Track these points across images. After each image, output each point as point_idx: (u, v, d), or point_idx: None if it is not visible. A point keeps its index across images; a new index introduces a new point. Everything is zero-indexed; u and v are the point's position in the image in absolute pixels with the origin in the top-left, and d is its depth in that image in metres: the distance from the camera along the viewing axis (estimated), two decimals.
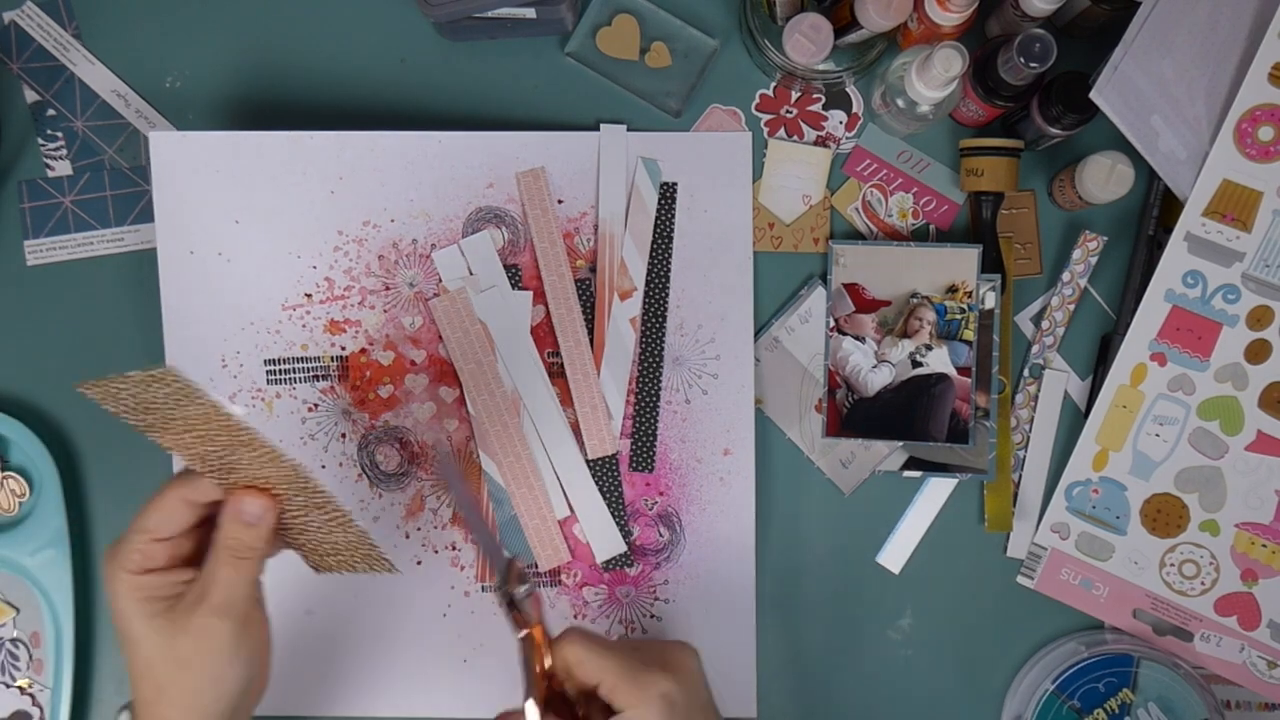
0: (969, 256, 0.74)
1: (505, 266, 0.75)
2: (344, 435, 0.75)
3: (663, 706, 0.55)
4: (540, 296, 0.75)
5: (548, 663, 0.57)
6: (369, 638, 0.74)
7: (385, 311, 0.75)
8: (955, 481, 0.76)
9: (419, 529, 0.75)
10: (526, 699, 0.56)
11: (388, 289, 0.75)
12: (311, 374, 0.75)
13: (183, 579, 0.57)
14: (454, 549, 0.75)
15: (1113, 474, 0.75)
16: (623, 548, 0.75)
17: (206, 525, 0.58)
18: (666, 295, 0.75)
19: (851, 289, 0.75)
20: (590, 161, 0.75)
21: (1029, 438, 0.77)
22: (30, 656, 0.76)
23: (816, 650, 0.77)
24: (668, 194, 0.76)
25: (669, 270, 0.75)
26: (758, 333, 0.76)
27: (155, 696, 0.56)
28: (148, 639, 0.55)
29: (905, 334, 0.74)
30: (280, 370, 0.75)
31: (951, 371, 0.74)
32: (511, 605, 0.56)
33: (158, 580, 0.56)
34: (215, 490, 0.57)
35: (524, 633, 0.56)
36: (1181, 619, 0.75)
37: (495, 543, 0.58)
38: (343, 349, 0.75)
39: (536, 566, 0.75)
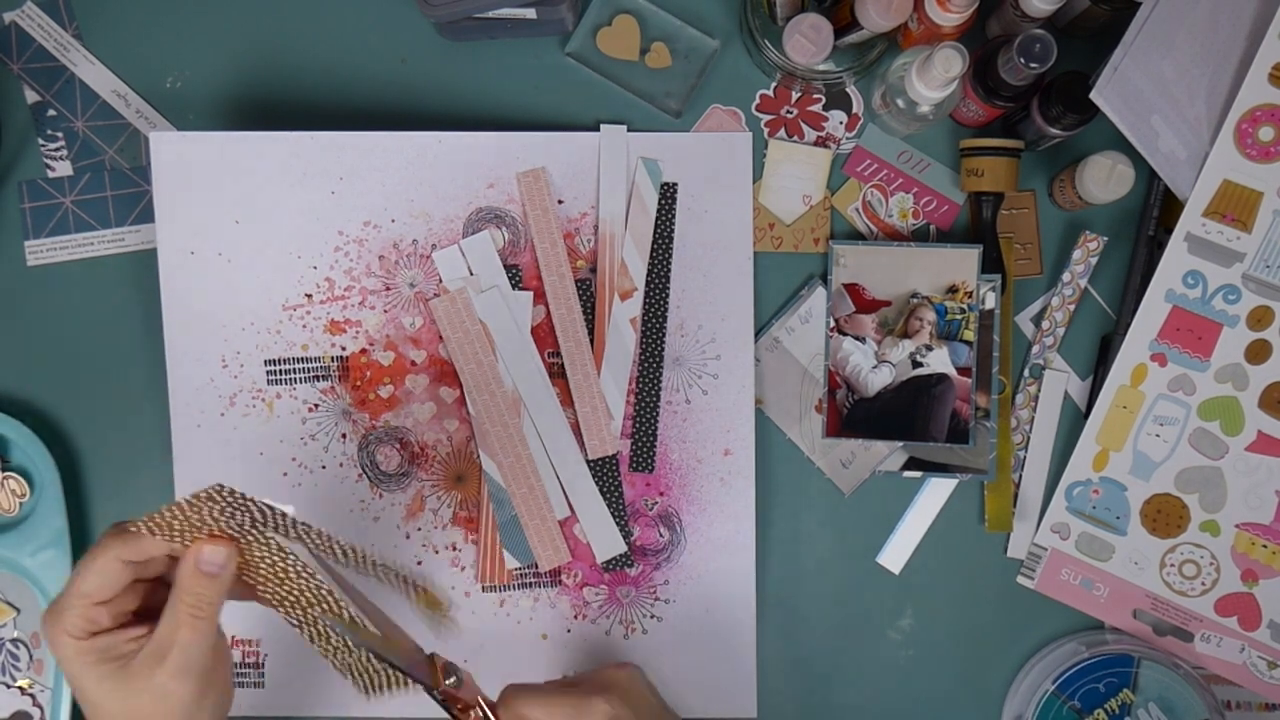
0: (969, 257, 0.74)
1: (506, 267, 0.75)
2: (344, 435, 0.75)
3: None
4: (540, 297, 0.75)
5: None
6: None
7: (386, 312, 0.75)
8: (955, 482, 0.76)
9: (419, 529, 0.75)
10: None
11: (388, 289, 0.75)
12: (312, 374, 0.75)
13: (132, 636, 0.54)
14: (454, 549, 0.75)
15: (1113, 474, 0.75)
16: (623, 548, 0.75)
17: (153, 580, 0.56)
18: (667, 295, 0.75)
19: (852, 289, 0.75)
20: (590, 162, 0.75)
21: (1029, 438, 0.77)
22: (30, 657, 0.76)
23: (817, 650, 0.77)
24: (668, 194, 0.76)
25: (669, 270, 0.75)
26: (758, 333, 0.76)
27: None
28: (105, 701, 0.53)
29: (905, 334, 0.74)
30: (281, 370, 0.75)
31: (952, 372, 0.74)
32: (448, 699, 0.58)
33: (105, 642, 0.54)
34: (155, 547, 0.54)
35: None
36: (1182, 619, 0.75)
37: (410, 652, 0.58)
38: (343, 349, 0.75)
39: (537, 566, 0.75)
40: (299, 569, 0.56)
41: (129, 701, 0.53)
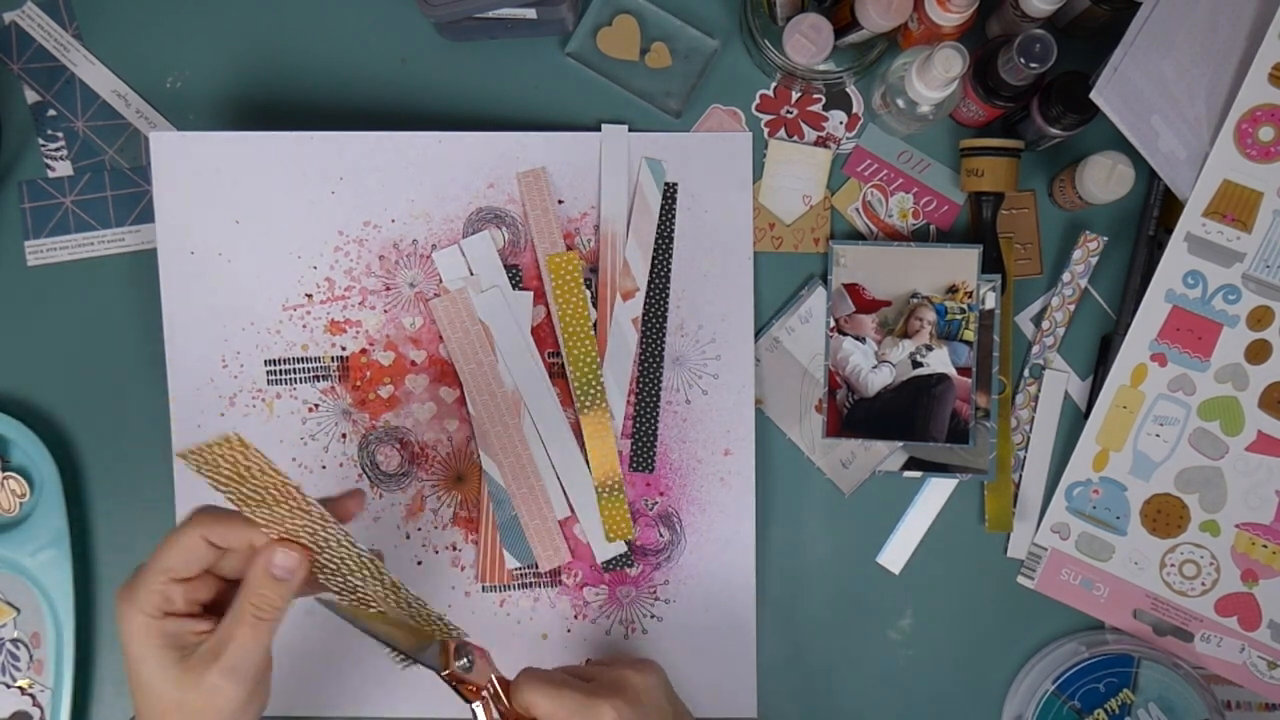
0: (969, 257, 0.74)
1: (506, 267, 0.75)
2: (344, 435, 0.75)
3: None
4: (541, 297, 0.75)
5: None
6: (369, 638, 0.74)
7: (386, 312, 0.75)
8: (955, 482, 0.76)
9: (419, 529, 0.75)
10: None
11: (388, 289, 0.75)
12: (312, 374, 0.75)
13: (199, 629, 0.55)
14: (454, 549, 0.75)
15: (1113, 474, 0.75)
16: (623, 548, 0.75)
17: (224, 580, 0.57)
18: (667, 295, 0.75)
19: (852, 289, 0.75)
20: (591, 162, 0.75)
21: (1029, 438, 0.77)
22: (30, 657, 0.76)
23: (817, 650, 0.77)
24: (669, 194, 0.76)
25: (670, 270, 0.75)
26: (758, 333, 0.76)
27: None
28: (159, 687, 0.54)
29: (905, 334, 0.74)
30: (281, 370, 0.75)
31: (952, 372, 0.74)
32: (458, 682, 0.57)
33: (174, 625, 0.55)
34: (239, 533, 0.55)
35: (475, 704, 0.57)
36: (1182, 619, 0.75)
37: (419, 632, 0.58)
38: (343, 349, 0.75)
39: (537, 566, 0.75)
40: (349, 545, 0.55)
41: (182, 694, 0.53)
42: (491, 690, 0.58)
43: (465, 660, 0.57)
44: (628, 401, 0.75)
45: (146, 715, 0.54)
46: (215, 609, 0.56)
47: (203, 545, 0.55)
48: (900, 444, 0.75)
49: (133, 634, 0.54)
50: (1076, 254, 0.76)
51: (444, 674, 0.57)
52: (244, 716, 0.55)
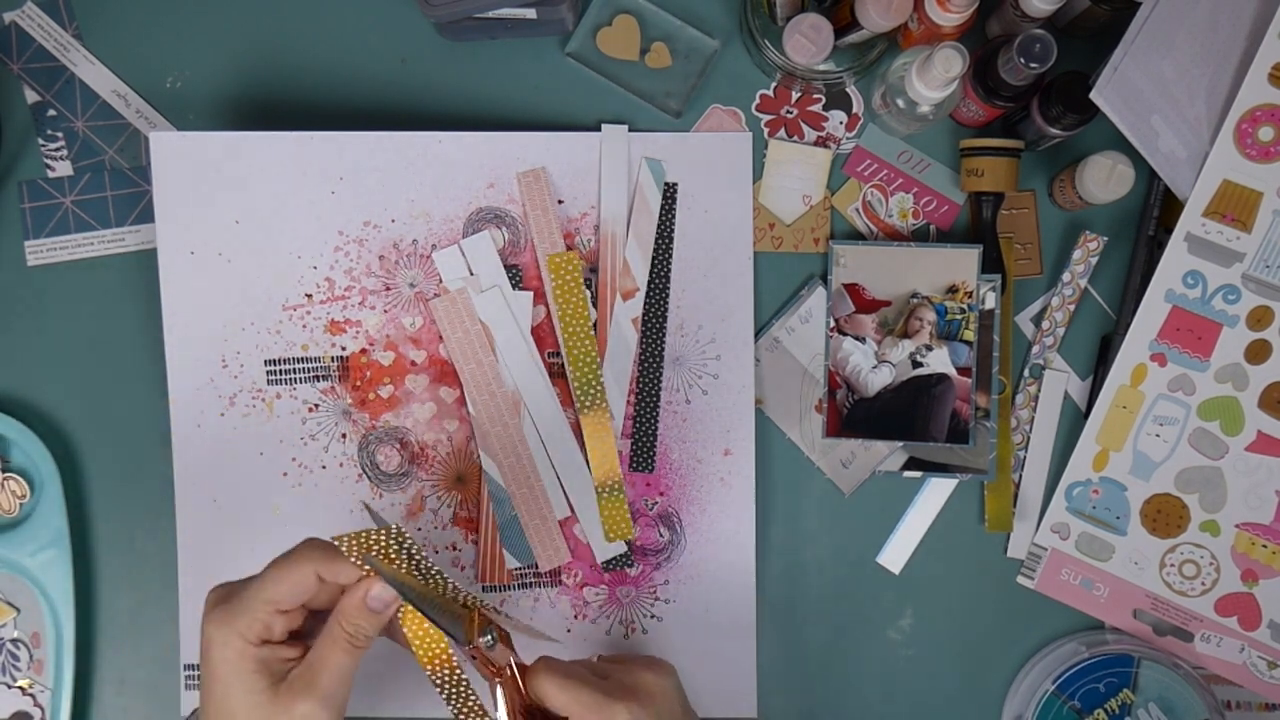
0: (969, 257, 0.74)
1: (506, 267, 0.75)
2: (344, 436, 0.75)
3: None
4: (541, 297, 0.75)
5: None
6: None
7: (386, 312, 0.75)
8: (955, 482, 0.76)
9: (419, 529, 0.75)
10: None
11: (388, 289, 0.75)
12: (312, 374, 0.75)
13: (288, 655, 0.55)
14: (454, 549, 0.75)
15: (1113, 474, 0.75)
16: (623, 548, 0.75)
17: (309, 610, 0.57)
18: (667, 295, 0.75)
19: (852, 289, 0.75)
20: (590, 162, 0.75)
21: (1029, 438, 0.77)
22: (30, 657, 0.76)
23: (817, 650, 0.77)
24: (669, 194, 0.76)
25: (670, 270, 0.75)
26: (758, 333, 0.76)
27: None
28: (248, 713, 0.53)
29: (905, 334, 0.74)
30: (281, 370, 0.75)
31: (952, 372, 0.74)
32: (481, 659, 0.57)
33: (269, 653, 0.54)
34: (347, 571, 0.55)
35: (496, 682, 0.57)
36: (1182, 619, 0.75)
37: (446, 597, 0.58)
38: (343, 349, 0.75)
39: (537, 566, 0.75)
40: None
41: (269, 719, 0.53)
42: (509, 674, 0.57)
43: (489, 637, 0.56)
44: (628, 401, 0.75)
45: None
46: (298, 636, 0.56)
47: (313, 580, 0.55)
48: (900, 444, 0.75)
49: (228, 658, 0.54)
50: (1076, 254, 0.76)
51: (468, 647, 0.56)
52: None
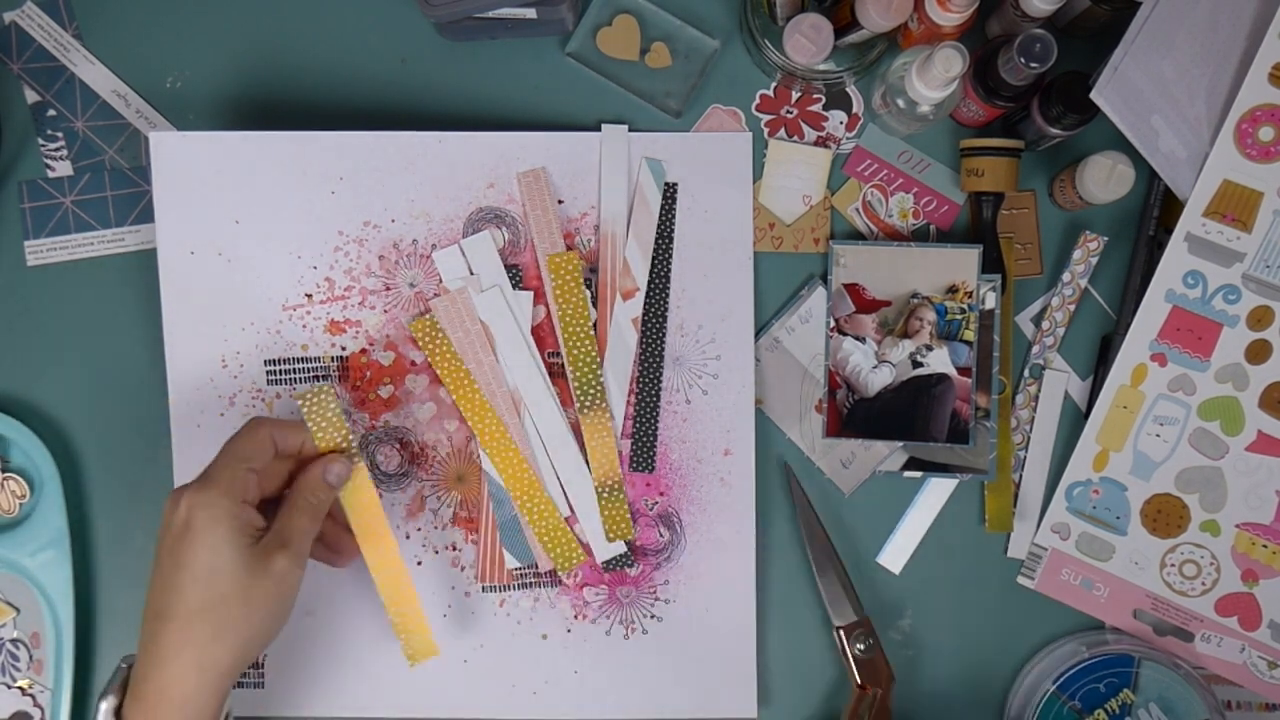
0: (969, 257, 0.74)
1: (506, 267, 0.75)
2: None
3: None
4: (541, 296, 0.75)
5: None
6: (369, 638, 0.74)
7: (386, 312, 0.75)
8: (956, 482, 0.76)
9: (419, 529, 0.75)
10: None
11: (388, 289, 0.75)
12: (312, 374, 0.75)
13: (260, 524, 0.61)
14: (454, 549, 0.75)
15: (1113, 474, 0.75)
16: (623, 548, 0.75)
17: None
18: (667, 295, 0.75)
19: (852, 289, 0.75)
20: (590, 161, 0.75)
21: (1029, 438, 0.77)
22: (30, 657, 0.76)
23: (817, 650, 0.77)
24: (669, 194, 0.76)
25: (669, 270, 0.75)
26: (758, 333, 0.76)
27: (211, 636, 0.57)
28: (232, 572, 0.58)
29: (905, 334, 0.74)
30: (281, 370, 0.75)
31: (952, 372, 0.74)
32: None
33: (247, 515, 0.60)
34: (295, 436, 0.63)
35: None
36: (1182, 619, 0.75)
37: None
38: (343, 349, 0.75)
39: (537, 566, 0.75)
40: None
41: (252, 579, 0.58)
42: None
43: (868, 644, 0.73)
44: (628, 401, 0.75)
45: (199, 605, 0.57)
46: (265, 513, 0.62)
47: (269, 440, 0.62)
48: (900, 444, 0.75)
49: (217, 517, 0.58)
50: (1076, 254, 0.76)
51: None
52: (285, 615, 0.60)
